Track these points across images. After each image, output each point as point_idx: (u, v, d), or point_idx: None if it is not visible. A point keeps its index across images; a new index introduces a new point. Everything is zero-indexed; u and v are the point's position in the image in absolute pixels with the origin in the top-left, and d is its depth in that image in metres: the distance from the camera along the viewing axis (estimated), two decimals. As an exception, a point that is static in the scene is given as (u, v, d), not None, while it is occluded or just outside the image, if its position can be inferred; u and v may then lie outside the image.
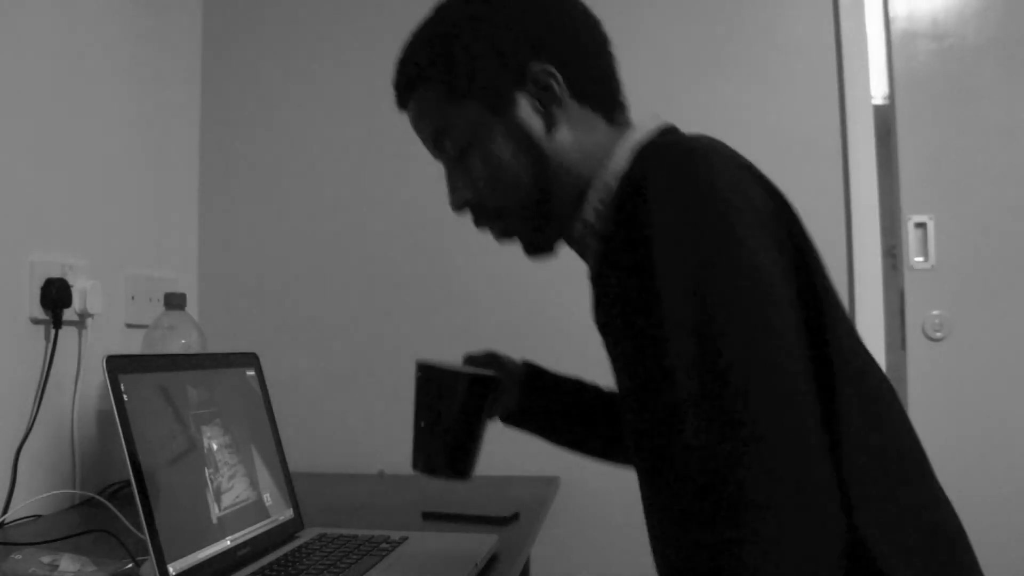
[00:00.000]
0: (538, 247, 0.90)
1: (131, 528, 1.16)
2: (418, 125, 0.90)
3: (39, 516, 1.33)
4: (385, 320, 1.88)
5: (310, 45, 1.95)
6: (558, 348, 1.83)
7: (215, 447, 1.00)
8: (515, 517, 1.31)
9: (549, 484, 1.67)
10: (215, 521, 0.95)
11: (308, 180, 1.93)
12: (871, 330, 1.75)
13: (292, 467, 1.18)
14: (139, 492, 0.85)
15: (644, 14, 1.84)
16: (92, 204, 1.55)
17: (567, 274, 1.84)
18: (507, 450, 1.83)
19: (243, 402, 1.10)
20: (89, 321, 1.49)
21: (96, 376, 1.50)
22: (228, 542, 0.96)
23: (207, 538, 0.92)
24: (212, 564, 0.91)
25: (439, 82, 0.85)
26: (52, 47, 1.45)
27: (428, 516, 1.33)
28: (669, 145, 0.75)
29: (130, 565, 0.98)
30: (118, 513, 1.24)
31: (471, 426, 0.94)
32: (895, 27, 1.93)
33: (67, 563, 0.96)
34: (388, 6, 1.92)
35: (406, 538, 1.09)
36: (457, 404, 0.93)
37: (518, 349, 1.83)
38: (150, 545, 0.84)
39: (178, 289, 1.73)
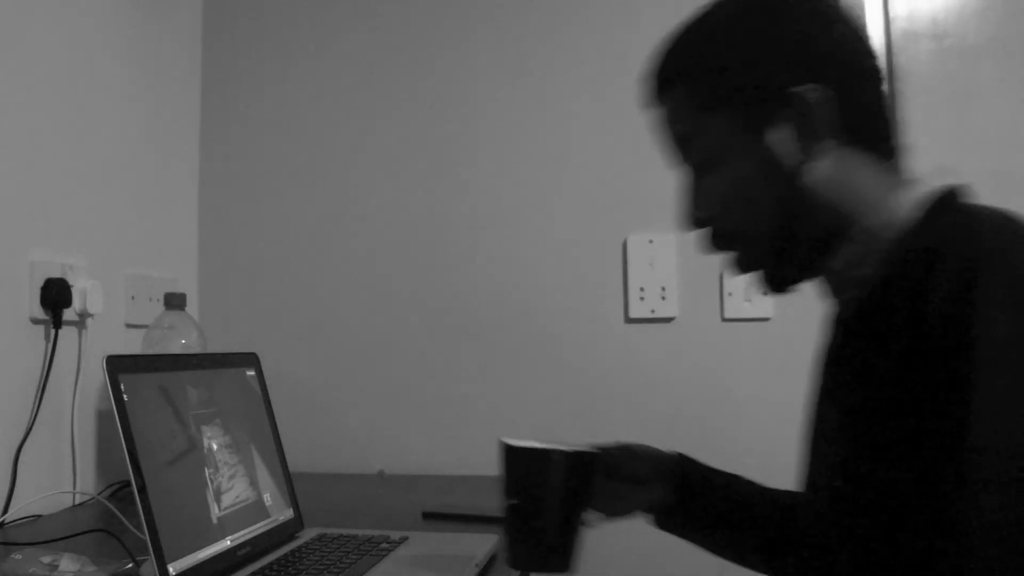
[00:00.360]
0: (780, 282, 0.82)
1: (131, 528, 1.16)
2: (664, 125, 0.84)
3: (39, 516, 1.33)
4: (386, 320, 1.88)
5: (311, 45, 1.95)
6: (559, 349, 1.84)
7: (215, 447, 1.00)
8: (515, 517, 1.31)
9: (549, 484, 1.67)
10: (215, 521, 0.95)
11: (308, 180, 1.93)
12: (871, 330, 1.75)
13: (292, 467, 1.18)
14: (139, 492, 0.84)
15: (645, 12, 1.84)
16: (92, 204, 1.55)
17: (568, 275, 1.84)
18: (507, 450, 1.83)
19: (243, 402, 1.10)
20: (89, 321, 1.49)
21: (96, 376, 1.50)
22: (228, 542, 0.96)
23: (207, 538, 0.92)
24: (212, 564, 0.91)
25: (697, 86, 0.80)
26: (52, 47, 1.45)
27: (428, 516, 1.33)
28: (996, 223, 0.67)
29: (130, 565, 0.98)
30: (118, 513, 1.24)
31: (571, 513, 0.84)
32: (895, 27, 1.93)
33: (67, 563, 0.96)
34: (389, 5, 1.92)
35: (406, 538, 1.09)
36: (553, 489, 0.82)
37: (519, 350, 1.84)
38: (150, 545, 0.84)
39: (178, 289, 1.73)
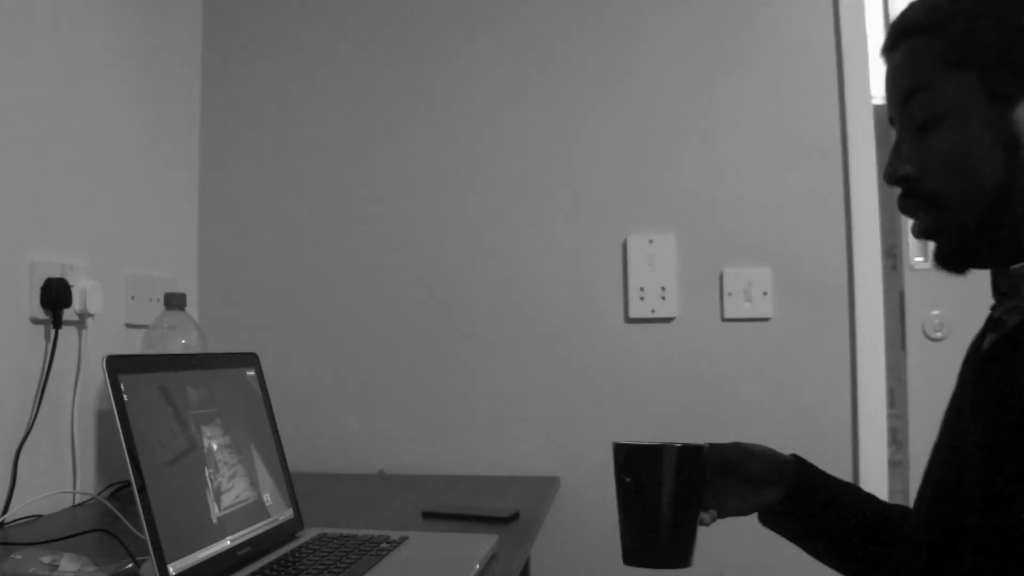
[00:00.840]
0: (954, 260, 0.77)
1: (131, 528, 1.16)
2: (895, 74, 0.79)
3: (39, 516, 1.33)
4: (385, 320, 1.89)
5: (311, 45, 1.95)
6: (559, 349, 1.84)
7: (215, 447, 1.00)
8: (515, 517, 1.31)
9: (549, 484, 1.67)
10: (215, 521, 0.95)
11: (308, 180, 1.93)
12: (871, 330, 1.75)
13: (292, 467, 1.18)
14: (139, 492, 0.84)
15: (645, 14, 1.84)
16: (92, 204, 1.55)
17: (568, 275, 1.84)
18: (507, 450, 1.83)
19: (243, 402, 1.10)
20: (89, 321, 1.49)
21: (96, 376, 1.50)
22: (228, 542, 0.95)
23: (207, 538, 0.92)
24: (212, 564, 0.91)
25: (948, 39, 0.74)
26: (52, 47, 1.45)
27: (428, 516, 1.33)
28: None
29: (130, 565, 0.98)
30: (118, 513, 1.24)
31: (687, 505, 0.85)
32: (895, 27, 1.93)
33: (67, 563, 0.96)
34: (390, 7, 1.92)
35: (406, 538, 1.09)
36: (668, 483, 0.84)
37: (519, 350, 1.84)
38: (150, 545, 0.83)
39: (178, 289, 1.73)
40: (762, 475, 0.92)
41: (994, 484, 0.68)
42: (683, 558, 0.85)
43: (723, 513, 0.92)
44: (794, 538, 0.96)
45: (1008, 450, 0.67)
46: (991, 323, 0.78)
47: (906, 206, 0.79)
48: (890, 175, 0.79)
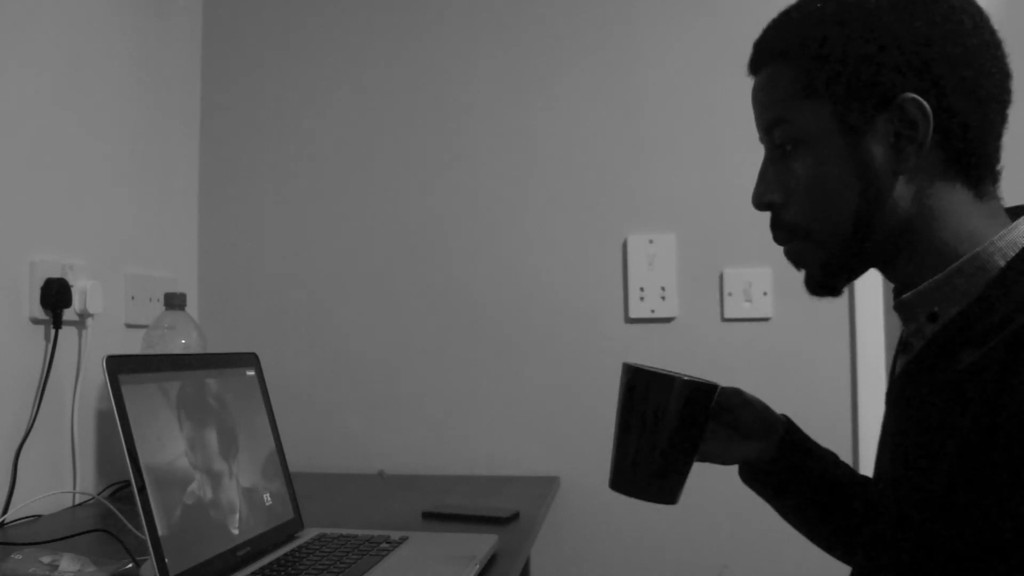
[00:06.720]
0: (824, 286, 0.79)
1: (131, 528, 1.17)
2: (758, 100, 0.80)
3: (39, 516, 1.33)
4: (385, 320, 1.89)
5: (311, 45, 1.95)
6: (559, 349, 1.84)
7: (215, 447, 1.00)
8: (515, 517, 1.31)
9: (549, 484, 1.67)
10: (215, 521, 0.95)
11: (308, 180, 1.93)
12: (871, 330, 1.75)
13: (292, 467, 1.18)
14: (139, 492, 0.84)
15: (645, 14, 1.84)
16: (92, 204, 1.55)
17: (568, 275, 1.84)
18: (507, 450, 1.83)
19: (243, 402, 1.10)
20: (89, 321, 1.49)
21: (96, 376, 1.50)
22: (228, 542, 0.96)
23: (207, 538, 0.92)
24: (212, 564, 0.91)
25: (799, 68, 0.75)
26: (52, 47, 1.45)
27: (428, 516, 1.33)
28: None
29: (130, 565, 0.98)
30: (118, 513, 1.24)
31: (687, 441, 0.83)
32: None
33: (67, 563, 0.97)
34: (389, 6, 1.92)
35: (406, 538, 1.09)
36: (672, 415, 0.82)
37: (519, 350, 1.84)
38: (150, 545, 0.84)
39: (178, 289, 1.74)
40: (751, 428, 0.91)
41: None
42: (671, 495, 0.84)
43: (702, 457, 0.90)
44: (769, 497, 0.95)
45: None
46: (902, 345, 0.79)
47: (777, 233, 0.80)
48: (757, 200, 0.79)
